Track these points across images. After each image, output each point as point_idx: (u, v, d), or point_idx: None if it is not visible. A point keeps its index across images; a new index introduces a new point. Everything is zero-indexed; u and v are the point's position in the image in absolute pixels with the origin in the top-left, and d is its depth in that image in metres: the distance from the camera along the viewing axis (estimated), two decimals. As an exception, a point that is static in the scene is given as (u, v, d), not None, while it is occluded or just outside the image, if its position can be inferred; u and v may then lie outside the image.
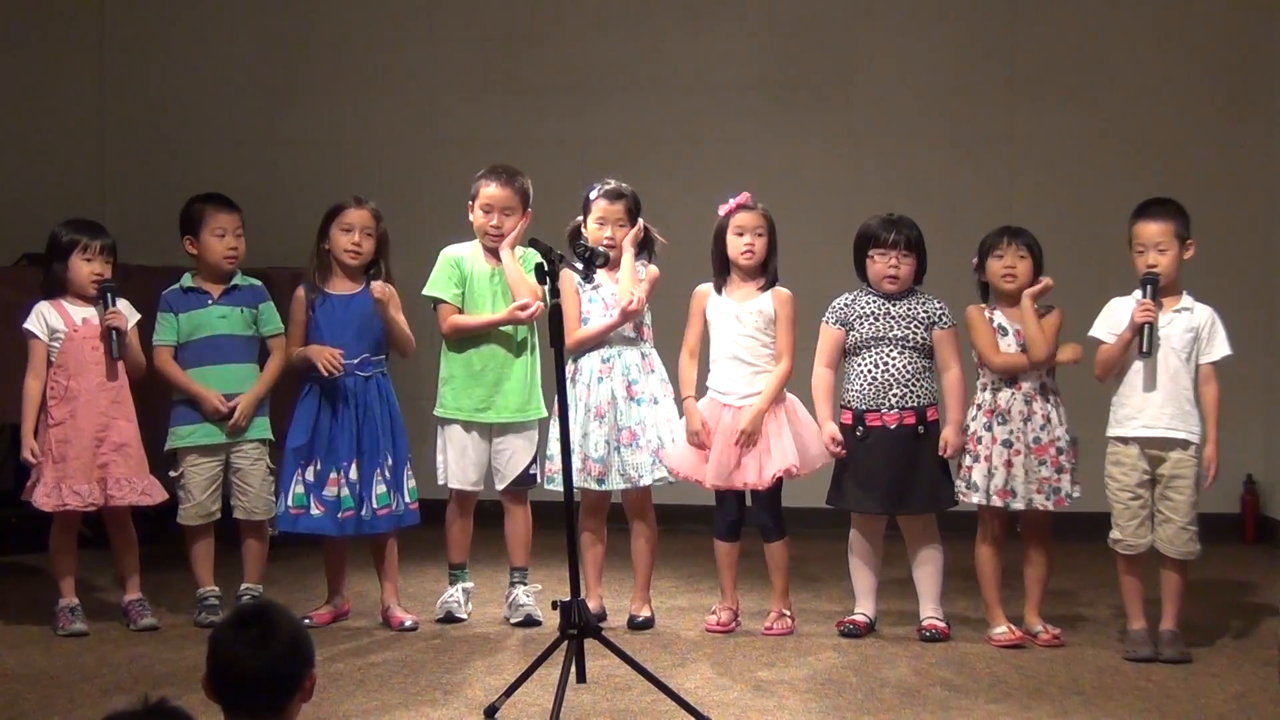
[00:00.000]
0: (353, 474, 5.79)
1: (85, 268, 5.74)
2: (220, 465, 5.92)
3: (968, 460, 5.68)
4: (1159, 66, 7.88)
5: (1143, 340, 5.42)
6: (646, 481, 5.85)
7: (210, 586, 5.94)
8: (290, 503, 5.83)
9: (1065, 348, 5.66)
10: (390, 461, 5.85)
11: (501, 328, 5.91)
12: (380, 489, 5.83)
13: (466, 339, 5.93)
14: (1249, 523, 7.73)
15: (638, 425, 5.82)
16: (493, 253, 5.93)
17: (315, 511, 5.80)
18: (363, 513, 5.81)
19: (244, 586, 5.97)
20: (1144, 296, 5.44)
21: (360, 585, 6.26)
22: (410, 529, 6.00)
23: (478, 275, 5.94)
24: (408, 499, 5.90)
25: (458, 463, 5.93)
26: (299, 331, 5.89)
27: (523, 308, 5.83)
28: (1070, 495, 5.63)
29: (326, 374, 5.76)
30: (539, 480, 5.99)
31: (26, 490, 5.75)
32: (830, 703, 4.88)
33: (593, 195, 5.90)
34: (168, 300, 5.95)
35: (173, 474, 5.92)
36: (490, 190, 5.91)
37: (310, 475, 5.81)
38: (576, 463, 5.75)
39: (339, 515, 5.80)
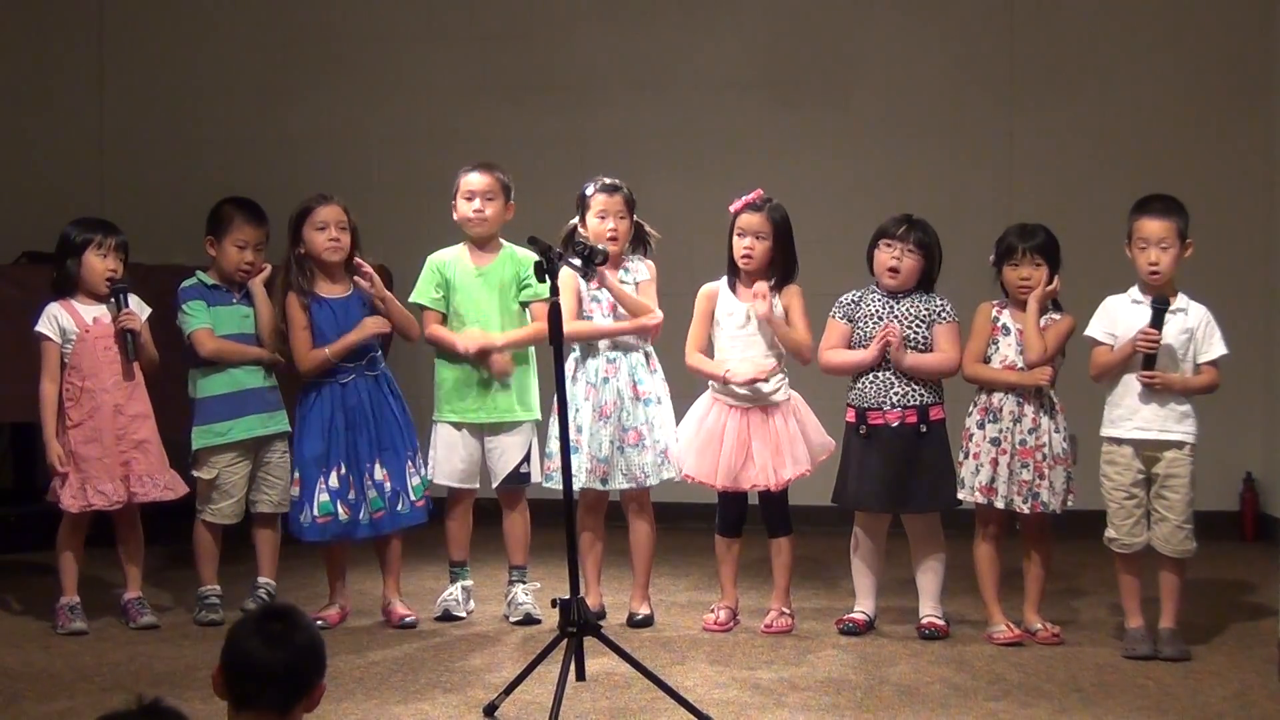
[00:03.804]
0: (378, 474, 5.78)
1: (100, 264, 5.72)
2: (251, 463, 5.93)
3: (960, 456, 5.69)
4: (1158, 66, 7.88)
5: (1143, 369, 5.39)
6: (652, 482, 5.85)
7: (212, 585, 5.93)
8: (317, 512, 5.76)
9: (1040, 371, 5.57)
10: (414, 453, 5.86)
11: (492, 331, 5.88)
12: (415, 481, 5.84)
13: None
14: (1248, 520, 7.73)
15: (644, 425, 5.81)
16: (481, 246, 5.92)
17: (343, 516, 5.75)
18: (399, 507, 5.80)
19: (260, 580, 5.98)
20: (1150, 324, 5.38)
21: (359, 584, 6.26)
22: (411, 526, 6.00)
23: (462, 275, 5.91)
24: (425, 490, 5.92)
25: (446, 459, 5.92)
26: (304, 335, 5.76)
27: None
28: (1049, 504, 5.56)
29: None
30: (535, 478, 5.97)
31: (51, 492, 5.71)
32: (830, 700, 4.88)
33: (589, 191, 5.89)
34: (196, 291, 5.91)
35: (196, 473, 5.89)
36: (471, 177, 5.90)
37: (334, 481, 5.74)
38: (585, 463, 5.77)
39: (373, 515, 5.78)
